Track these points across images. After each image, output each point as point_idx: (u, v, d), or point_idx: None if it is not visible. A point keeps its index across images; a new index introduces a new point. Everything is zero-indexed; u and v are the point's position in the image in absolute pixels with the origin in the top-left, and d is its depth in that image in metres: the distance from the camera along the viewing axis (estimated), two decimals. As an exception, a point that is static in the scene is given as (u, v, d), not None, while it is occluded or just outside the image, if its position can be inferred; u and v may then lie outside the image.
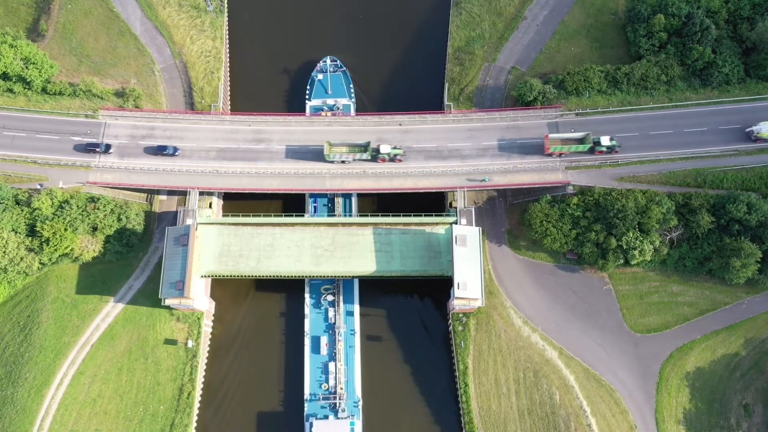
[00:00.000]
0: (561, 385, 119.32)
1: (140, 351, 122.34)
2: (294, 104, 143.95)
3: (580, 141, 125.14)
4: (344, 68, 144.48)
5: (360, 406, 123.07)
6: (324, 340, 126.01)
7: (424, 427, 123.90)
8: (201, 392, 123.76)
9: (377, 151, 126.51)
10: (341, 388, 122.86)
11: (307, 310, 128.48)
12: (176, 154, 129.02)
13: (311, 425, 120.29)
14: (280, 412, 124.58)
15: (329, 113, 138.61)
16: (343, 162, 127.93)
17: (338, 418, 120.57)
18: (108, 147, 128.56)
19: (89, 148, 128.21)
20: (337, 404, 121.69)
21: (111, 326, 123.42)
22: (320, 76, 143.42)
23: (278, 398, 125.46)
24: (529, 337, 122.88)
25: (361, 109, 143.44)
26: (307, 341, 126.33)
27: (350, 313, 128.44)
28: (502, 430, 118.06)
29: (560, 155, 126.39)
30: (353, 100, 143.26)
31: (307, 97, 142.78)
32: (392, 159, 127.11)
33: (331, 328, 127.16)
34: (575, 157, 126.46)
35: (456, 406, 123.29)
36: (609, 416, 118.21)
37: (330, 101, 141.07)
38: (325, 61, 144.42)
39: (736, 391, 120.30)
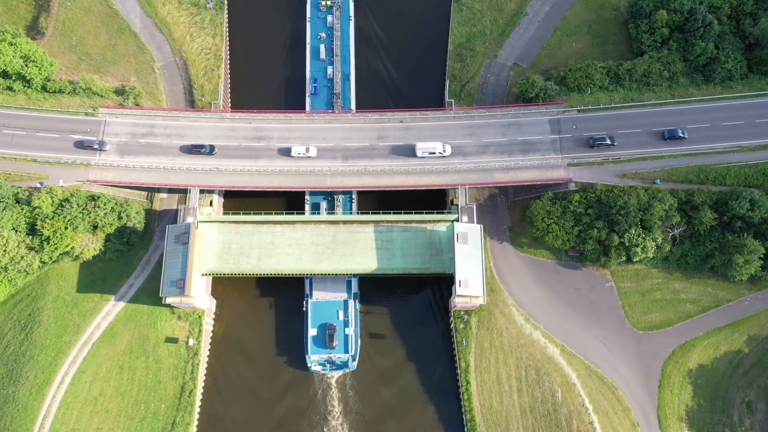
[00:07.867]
0: (563, 383, 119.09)
1: (141, 349, 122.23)
2: (294, 102, 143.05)
3: None
4: None
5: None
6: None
7: (425, 425, 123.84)
8: (202, 390, 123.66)
9: None
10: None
11: None
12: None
13: (311, 283, 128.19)
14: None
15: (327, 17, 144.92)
16: None
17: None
18: None
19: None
20: None
21: (112, 325, 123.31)
22: None
23: (281, 389, 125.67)
24: (531, 334, 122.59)
25: (362, 11, 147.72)
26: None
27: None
28: (504, 427, 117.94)
29: None
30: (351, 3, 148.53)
31: None
32: None
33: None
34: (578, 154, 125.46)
35: (458, 404, 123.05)
36: (611, 414, 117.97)
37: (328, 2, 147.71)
38: None
39: (738, 388, 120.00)
